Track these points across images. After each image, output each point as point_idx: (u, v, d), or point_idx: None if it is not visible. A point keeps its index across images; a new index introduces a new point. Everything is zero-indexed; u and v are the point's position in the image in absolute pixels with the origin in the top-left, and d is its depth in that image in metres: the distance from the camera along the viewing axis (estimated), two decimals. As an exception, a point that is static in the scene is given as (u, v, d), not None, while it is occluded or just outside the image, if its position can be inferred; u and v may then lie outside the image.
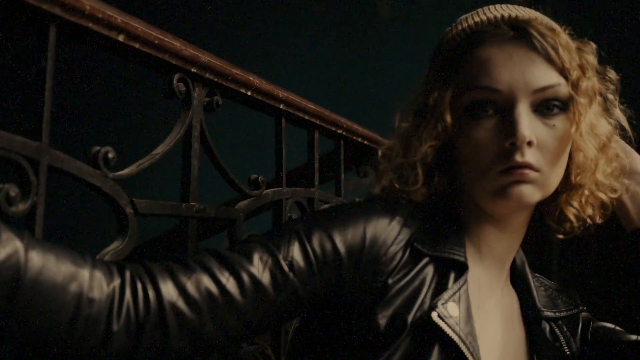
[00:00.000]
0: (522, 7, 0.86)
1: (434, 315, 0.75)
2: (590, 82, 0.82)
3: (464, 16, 0.88)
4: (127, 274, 0.63)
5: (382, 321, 0.74)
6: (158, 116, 2.38)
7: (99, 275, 0.61)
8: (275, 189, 1.19)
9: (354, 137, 1.50)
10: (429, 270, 0.79)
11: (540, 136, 0.78)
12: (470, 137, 0.80)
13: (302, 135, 1.34)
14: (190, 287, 0.66)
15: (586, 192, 0.85)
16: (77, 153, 0.77)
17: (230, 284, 0.68)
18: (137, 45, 0.85)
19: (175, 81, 0.93)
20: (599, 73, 0.86)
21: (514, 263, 0.95)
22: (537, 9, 0.87)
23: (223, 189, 1.13)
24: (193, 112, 0.96)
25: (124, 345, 0.61)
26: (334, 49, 3.37)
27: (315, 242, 0.74)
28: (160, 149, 0.91)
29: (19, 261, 0.55)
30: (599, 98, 0.85)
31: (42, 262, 0.56)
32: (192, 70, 0.95)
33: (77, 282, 0.58)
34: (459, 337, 0.75)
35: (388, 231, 0.78)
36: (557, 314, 0.94)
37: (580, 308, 0.98)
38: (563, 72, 0.80)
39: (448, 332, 0.75)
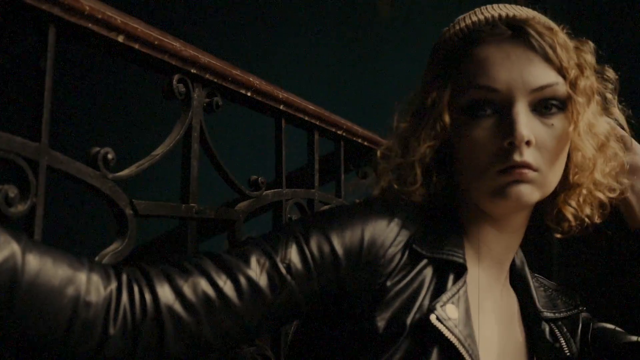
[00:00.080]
0: (520, 7, 0.86)
1: (433, 317, 0.74)
2: (589, 81, 0.82)
3: (461, 16, 0.88)
4: (124, 277, 0.63)
5: (381, 323, 0.74)
6: (158, 117, 2.38)
7: (96, 278, 0.60)
8: (275, 190, 1.18)
9: (354, 138, 1.50)
10: (428, 272, 0.78)
11: (538, 136, 0.78)
12: (468, 137, 0.80)
13: (302, 136, 1.34)
14: (187, 290, 0.66)
15: (584, 191, 0.85)
16: (77, 154, 0.77)
17: (227, 287, 0.68)
18: (136, 46, 0.85)
19: (175, 82, 0.93)
20: (597, 72, 0.86)
21: (513, 263, 0.95)
22: (535, 9, 0.86)
23: (223, 190, 1.13)
24: (193, 113, 0.96)
25: (121, 348, 0.61)
26: (334, 49, 3.37)
27: (313, 245, 0.74)
28: (159, 150, 0.91)
29: (16, 264, 0.55)
30: (597, 97, 0.85)
31: (39, 265, 0.56)
32: (192, 71, 0.95)
33: (74, 285, 0.58)
34: (458, 339, 0.75)
35: (386, 233, 0.78)
36: (556, 314, 0.94)
37: (580, 308, 0.98)
38: (561, 71, 0.80)
39: (447, 335, 0.74)
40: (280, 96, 1.17)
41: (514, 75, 0.78)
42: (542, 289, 0.97)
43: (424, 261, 0.79)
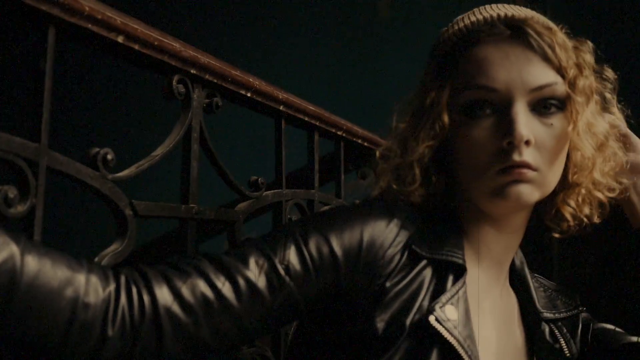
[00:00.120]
0: (518, 7, 0.86)
1: (432, 319, 0.74)
2: (587, 80, 0.82)
3: (460, 16, 0.88)
4: (122, 279, 0.63)
5: (380, 324, 0.74)
6: (157, 118, 2.38)
7: (94, 280, 0.60)
8: (275, 190, 1.18)
9: (354, 139, 1.50)
10: (427, 273, 0.78)
11: (538, 135, 0.78)
12: (467, 137, 0.80)
13: (302, 136, 1.34)
14: (185, 291, 0.66)
15: (583, 191, 0.85)
16: (76, 155, 0.77)
17: (225, 288, 0.68)
18: (136, 47, 0.85)
19: (174, 82, 0.93)
20: (596, 72, 0.86)
21: (513, 264, 0.94)
22: (534, 9, 0.86)
23: (223, 191, 1.13)
24: (192, 113, 0.96)
25: (119, 350, 0.61)
26: (333, 49, 3.37)
27: (312, 246, 0.73)
28: (159, 151, 0.91)
29: (15, 265, 0.55)
30: (596, 97, 0.85)
31: (38, 266, 0.56)
32: (192, 71, 0.95)
33: (73, 286, 0.58)
34: (457, 340, 0.75)
35: (386, 234, 0.77)
36: (556, 315, 0.94)
37: (580, 309, 0.97)
38: (560, 70, 0.80)
39: (446, 336, 0.74)
40: (280, 97, 1.17)
41: (513, 75, 0.78)
42: (541, 289, 0.97)
43: (424, 262, 0.78)
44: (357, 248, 0.75)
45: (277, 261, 0.71)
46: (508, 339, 0.89)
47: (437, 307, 0.75)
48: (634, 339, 0.94)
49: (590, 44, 0.86)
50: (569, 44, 0.83)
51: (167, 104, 0.95)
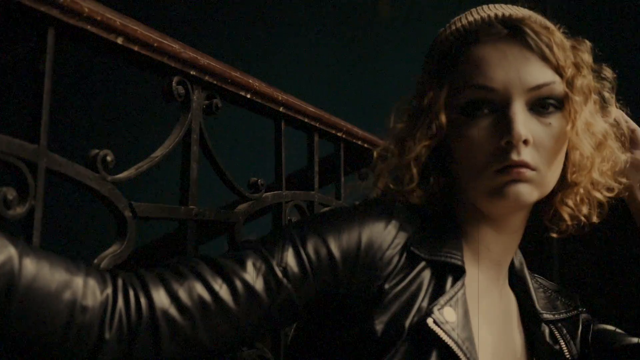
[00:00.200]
0: (516, 6, 0.86)
1: (430, 321, 0.74)
2: (586, 80, 0.82)
3: (457, 16, 0.88)
4: (120, 282, 0.63)
5: (379, 327, 0.74)
6: (157, 119, 2.37)
7: (92, 283, 0.60)
8: (274, 192, 1.18)
9: (354, 140, 1.50)
10: (426, 274, 0.78)
11: (536, 135, 0.78)
12: (465, 137, 0.80)
13: (301, 138, 1.34)
14: (182, 294, 0.65)
15: (582, 190, 0.84)
16: (76, 156, 0.77)
17: (223, 291, 0.68)
18: (136, 48, 0.85)
19: (174, 84, 0.93)
20: (594, 71, 0.86)
21: (512, 265, 0.94)
22: (532, 8, 0.86)
23: (222, 192, 1.12)
24: (192, 115, 0.96)
25: (117, 353, 0.61)
26: (333, 50, 3.37)
27: (310, 248, 0.73)
28: (159, 152, 0.91)
29: (13, 268, 0.54)
30: (594, 96, 0.85)
31: (36, 269, 0.56)
32: (191, 73, 0.95)
33: (70, 289, 0.58)
34: (456, 343, 0.74)
35: (384, 235, 0.77)
36: (556, 316, 0.94)
37: (580, 310, 0.97)
38: (558, 70, 0.80)
39: (444, 338, 0.74)
40: (280, 98, 1.17)
41: (511, 75, 0.78)
42: (541, 290, 0.97)
43: (422, 263, 0.78)
44: (355, 250, 0.75)
45: (274, 263, 0.71)
46: (507, 340, 0.89)
47: (435, 309, 0.75)
48: (635, 340, 0.94)
49: (588, 43, 0.86)
50: (567, 43, 0.83)
51: (167, 106, 0.95)
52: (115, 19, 0.80)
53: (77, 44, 0.81)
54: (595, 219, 0.87)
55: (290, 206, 1.23)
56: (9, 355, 0.57)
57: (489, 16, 0.83)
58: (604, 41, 0.87)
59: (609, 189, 0.87)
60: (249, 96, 1.10)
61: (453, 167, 0.84)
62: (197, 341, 0.66)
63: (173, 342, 0.64)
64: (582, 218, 0.86)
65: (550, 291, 0.98)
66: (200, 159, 0.98)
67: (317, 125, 1.33)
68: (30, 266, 0.56)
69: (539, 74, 0.79)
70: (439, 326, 0.74)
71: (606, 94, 0.89)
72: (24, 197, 0.68)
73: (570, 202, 0.85)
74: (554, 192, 0.84)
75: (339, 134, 1.43)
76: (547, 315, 0.93)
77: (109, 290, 0.61)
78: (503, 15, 0.83)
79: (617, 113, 0.92)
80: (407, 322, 0.74)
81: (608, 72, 0.88)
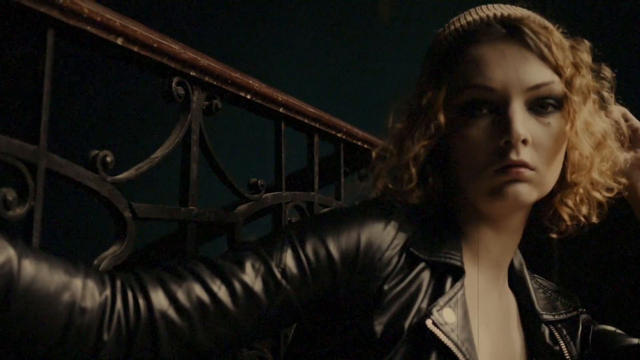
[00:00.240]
0: (514, 6, 0.86)
1: (429, 322, 0.74)
2: (585, 79, 0.82)
3: (456, 17, 0.88)
4: (118, 283, 0.63)
5: (379, 328, 0.73)
6: (157, 120, 2.37)
7: (91, 284, 0.60)
8: (274, 192, 1.18)
9: (354, 141, 1.50)
10: (426, 275, 0.78)
11: (535, 134, 0.78)
12: (464, 137, 0.79)
13: (301, 138, 1.34)
14: (181, 295, 0.65)
15: (581, 190, 0.84)
16: (76, 157, 0.77)
17: (222, 292, 0.68)
18: (135, 49, 0.85)
19: (174, 85, 0.93)
20: (593, 71, 0.86)
21: (511, 265, 0.94)
22: (529, 8, 0.86)
23: (222, 193, 1.12)
24: (192, 115, 0.96)
25: (115, 354, 0.61)
26: (333, 51, 3.37)
27: (309, 249, 0.73)
28: (159, 153, 0.90)
29: (12, 269, 0.55)
30: (593, 96, 0.85)
31: (35, 270, 0.56)
32: (191, 73, 0.95)
33: (69, 291, 0.58)
34: (455, 344, 0.74)
35: (383, 236, 0.77)
36: (556, 316, 0.93)
37: (580, 310, 0.97)
38: (557, 69, 0.80)
39: (443, 340, 0.74)
40: (280, 99, 1.17)
41: (510, 74, 0.78)
42: (541, 290, 0.97)
43: (422, 264, 0.78)
44: (354, 251, 0.75)
45: (273, 265, 0.71)
46: (507, 341, 0.89)
47: (434, 310, 0.75)
48: (635, 340, 0.94)
49: (587, 43, 0.86)
50: (566, 43, 0.83)
51: (167, 106, 0.95)
52: (115, 19, 0.80)
53: (76, 45, 0.81)
54: (594, 219, 0.87)
55: (290, 207, 1.23)
56: (7, 356, 0.57)
57: (487, 16, 0.83)
58: (603, 41, 0.87)
59: (609, 189, 0.87)
60: (249, 97, 1.09)
61: (452, 168, 0.84)
62: (196, 343, 0.66)
63: (171, 343, 0.64)
64: (582, 218, 0.86)
65: (550, 292, 0.98)
66: (200, 160, 0.98)
67: (317, 126, 1.33)
68: (29, 267, 0.56)
69: (538, 73, 0.78)
70: (438, 327, 0.74)
71: (605, 94, 0.89)
72: (24, 198, 0.68)
73: (570, 203, 0.85)
74: (553, 193, 0.84)
75: (339, 135, 1.43)
76: (547, 316, 0.93)
77: (108, 292, 0.61)
78: (502, 15, 0.83)
79: (620, 111, 0.92)
80: (407, 323, 0.74)
81: (607, 72, 0.88)
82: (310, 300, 0.73)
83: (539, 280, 1.00)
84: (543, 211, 0.88)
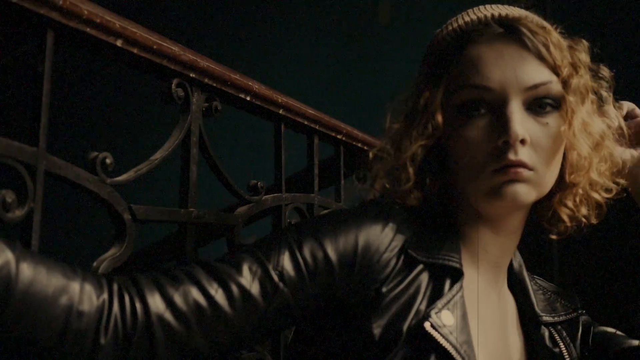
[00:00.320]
0: (512, 7, 0.86)
1: (427, 325, 0.73)
2: (583, 79, 0.82)
3: (454, 17, 0.88)
4: (115, 287, 0.63)
5: (377, 330, 0.73)
6: (156, 122, 2.37)
7: (89, 288, 0.60)
8: (274, 194, 1.18)
9: (354, 143, 1.50)
10: (424, 277, 0.77)
11: (533, 134, 0.78)
12: (462, 137, 0.79)
13: (301, 140, 1.34)
14: (178, 299, 0.65)
15: (580, 191, 0.84)
16: (75, 159, 0.77)
17: (219, 295, 0.67)
18: (135, 50, 0.85)
19: (173, 86, 0.93)
20: (592, 71, 0.86)
21: (510, 266, 0.94)
22: (529, 8, 0.86)
23: (222, 195, 1.12)
24: (192, 117, 0.96)
25: (112, 358, 0.61)
26: (333, 53, 3.37)
27: (306, 251, 0.73)
28: (158, 155, 0.90)
29: (10, 273, 0.54)
30: (592, 96, 0.85)
31: (33, 274, 0.56)
32: (191, 75, 0.95)
33: (67, 294, 0.58)
34: (454, 346, 0.74)
35: (381, 238, 0.77)
36: (556, 318, 0.93)
37: (580, 312, 0.97)
38: (555, 69, 0.79)
39: (442, 342, 0.73)
40: (280, 100, 1.17)
41: (508, 74, 0.78)
42: (540, 292, 0.96)
43: (420, 266, 0.78)
44: (352, 253, 0.74)
45: (270, 267, 0.71)
46: (506, 343, 0.88)
47: (432, 312, 0.74)
48: (635, 342, 0.94)
49: (585, 43, 0.86)
50: (564, 43, 0.83)
51: (166, 108, 0.95)
52: (115, 21, 0.80)
53: (76, 47, 0.81)
54: (593, 220, 0.87)
55: (290, 209, 1.22)
56: (5, 358, 0.57)
57: (485, 16, 0.83)
58: (603, 41, 0.87)
59: (607, 190, 0.86)
60: (248, 98, 1.09)
61: (450, 168, 0.84)
62: (193, 346, 0.66)
63: (168, 347, 0.64)
64: (581, 219, 0.86)
65: (549, 293, 0.97)
66: (200, 162, 0.98)
67: (317, 127, 1.33)
68: (27, 271, 0.56)
69: (536, 73, 0.78)
70: (436, 330, 0.73)
71: (604, 93, 0.88)
72: (23, 200, 0.67)
73: (569, 203, 0.85)
74: (552, 193, 0.84)
75: (339, 137, 1.43)
76: (547, 318, 0.92)
77: (105, 295, 0.61)
78: (499, 15, 0.83)
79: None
80: (405, 326, 0.73)
81: (605, 72, 0.88)
82: (308, 303, 0.73)
83: (538, 281, 0.99)
84: (542, 212, 0.88)
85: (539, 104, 0.79)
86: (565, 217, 0.85)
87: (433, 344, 0.73)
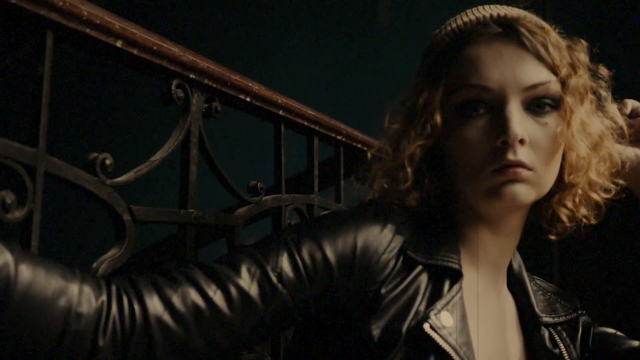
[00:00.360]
0: (510, 7, 0.86)
1: (426, 326, 0.73)
2: (582, 79, 0.82)
3: (453, 18, 0.88)
4: (114, 288, 0.63)
5: (376, 332, 0.73)
6: (156, 122, 2.37)
7: (87, 289, 0.60)
8: (274, 195, 1.18)
9: (354, 144, 1.50)
10: (423, 278, 0.77)
11: (532, 134, 0.77)
12: (461, 137, 0.79)
13: (301, 140, 1.34)
14: (176, 300, 0.65)
15: (579, 191, 0.84)
16: (75, 160, 0.77)
17: (217, 297, 0.67)
18: (135, 51, 0.85)
19: (173, 87, 0.93)
20: (591, 71, 0.86)
21: (510, 267, 0.94)
22: (528, 8, 0.86)
23: (222, 196, 1.12)
24: (191, 118, 0.96)
25: None
26: (334, 54, 3.37)
27: (305, 253, 0.73)
28: (158, 156, 0.90)
29: (9, 274, 0.54)
30: (591, 96, 0.85)
31: (32, 275, 0.56)
32: (191, 76, 0.95)
33: (66, 296, 0.58)
34: (453, 348, 0.74)
35: (380, 239, 0.77)
36: (556, 319, 0.93)
37: (580, 312, 0.97)
38: (553, 69, 0.79)
39: (441, 344, 0.73)
40: (280, 101, 1.17)
41: (506, 74, 0.78)
42: (540, 292, 0.96)
43: (419, 267, 0.78)
44: (350, 254, 0.74)
45: (269, 269, 0.71)
46: (506, 344, 0.88)
47: (432, 314, 0.74)
48: (636, 343, 0.94)
49: (584, 43, 0.86)
50: (563, 43, 0.83)
51: (166, 109, 0.95)
52: (115, 22, 0.80)
53: (76, 48, 0.81)
54: (593, 221, 0.87)
55: (290, 209, 1.22)
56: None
57: (484, 16, 0.83)
58: (603, 41, 0.87)
59: (607, 190, 0.86)
60: (248, 99, 1.09)
61: (449, 168, 0.84)
62: (191, 348, 0.66)
63: (167, 348, 0.64)
64: (582, 219, 0.86)
65: (549, 293, 0.97)
66: (200, 163, 0.98)
67: (317, 128, 1.33)
68: (26, 272, 0.55)
69: (535, 73, 0.78)
70: (435, 331, 0.73)
71: (603, 93, 0.88)
72: (23, 201, 0.67)
73: (568, 204, 0.85)
74: (551, 194, 0.84)
75: (338, 137, 1.43)
76: (547, 319, 0.92)
77: (104, 297, 0.61)
78: (498, 15, 0.83)
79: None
80: (404, 327, 0.73)
81: (604, 71, 0.88)
82: (307, 304, 0.73)
83: (538, 281, 0.99)
84: (541, 212, 0.87)
85: (538, 104, 0.79)
86: (564, 218, 0.85)
87: (432, 346, 0.73)
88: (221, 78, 1.01)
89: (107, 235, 0.86)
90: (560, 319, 0.94)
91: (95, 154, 0.79)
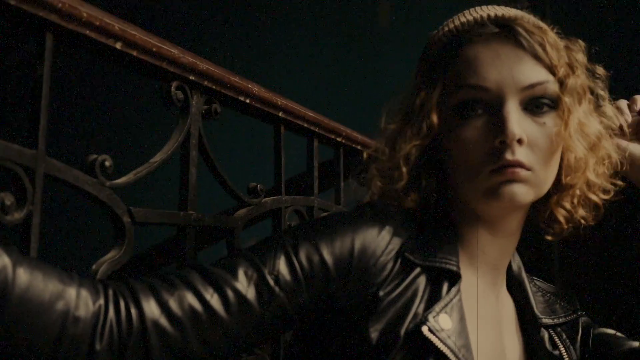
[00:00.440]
0: (508, 7, 0.86)
1: (425, 329, 0.73)
2: (579, 79, 0.82)
3: (450, 18, 0.88)
4: (111, 292, 0.63)
5: (374, 334, 0.73)
6: (155, 124, 2.37)
7: (85, 293, 0.60)
8: (274, 197, 1.18)
9: (354, 145, 1.50)
10: (422, 281, 0.77)
11: (530, 134, 0.77)
12: (459, 137, 0.79)
13: (301, 142, 1.34)
14: (173, 304, 0.65)
15: (578, 192, 0.84)
16: (74, 161, 0.77)
17: (214, 300, 0.67)
18: (134, 53, 0.85)
19: (173, 89, 0.93)
20: (588, 70, 0.86)
21: (509, 268, 0.93)
22: (527, 8, 0.86)
23: (221, 197, 1.12)
24: (191, 120, 0.96)
25: None
26: (333, 55, 3.38)
27: (302, 255, 0.72)
28: (158, 157, 0.90)
29: (7, 278, 0.54)
30: (589, 96, 0.85)
31: (29, 279, 0.56)
32: (191, 77, 0.95)
33: (64, 300, 0.58)
34: (452, 351, 0.73)
35: (377, 241, 0.76)
36: (555, 320, 0.93)
37: (580, 313, 0.96)
38: (551, 69, 0.79)
39: (439, 346, 0.73)
40: (279, 103, 1.17)
41: (504, 74, 0.78)
42: (540, 293, 0.96)
43: (417, 269, 0.77)
44: (348, 256, 0.74)
45: (266, 272, 0.70)
46: (505, 346, 0.88)
47: (430, 316, 0.74)
48: (635, 344, 0.93)
49: (582, 43, 0.86)
50: (560, 43, 0.83)
51: (166, 110, 0.95)
52: (114, 23, 0.80)
53: (75, 49, 0.81)
54: (591, 221, 0.87)
55: (289, 211, 1.22)
56: None
57: (481, 17, 0.83)
58: (602, 41, 0.87)
59: (605, 191, 0.86)
60: (248, 101, 1.09)
61: (447, 169, 0.84)
62: (188, 351, 0.65)
63: (164, 352, 0.64)
64: (580, 220, 0.86)
65: (549, 295, 0.97)
66: (199, 164, 0.98)
67: (317, 130, 1.33)
68: (23, 276, 0.55)
69: (532, 73, 0.78)
70: (434, 334, 0.73)
71: (601, 92, 0.88)
72: (22, 203, 0.67)
73: (566, 205, 0.85)
74: (550, 194, 0.84)
75: (338, 139, 1.43)
76: (546, 320, 0.92)
77: (102, 301, 0.61)
78: (495, 15, 0.83)
79: None
80: (403, 330, 0.73)
81: (601, 71, 0.88)
82: (305, 307, 0.73)
83: (537, 283, 0.99)
84: (539, 213, 0.87)
85: (536, 103, 0.79)
86: (561, 219, 0.85)
87: (431, 348, 0.73)
88: (221, 80, 1.01)
89: (107, 237, 0.85)
90: (560, 320, 0.93)
91: (95, 156, 0.79)
